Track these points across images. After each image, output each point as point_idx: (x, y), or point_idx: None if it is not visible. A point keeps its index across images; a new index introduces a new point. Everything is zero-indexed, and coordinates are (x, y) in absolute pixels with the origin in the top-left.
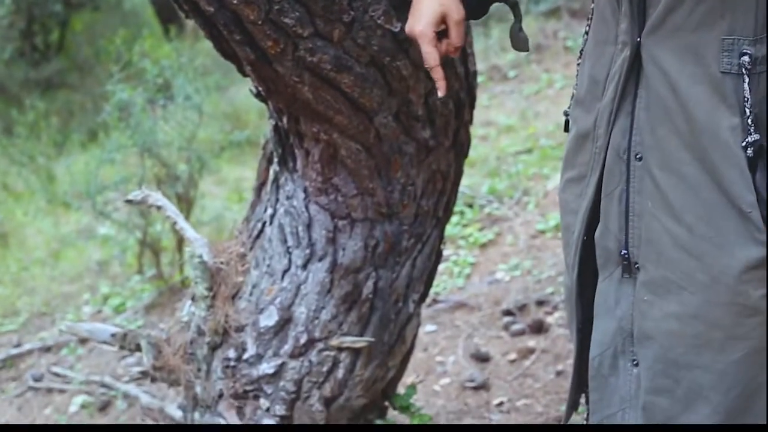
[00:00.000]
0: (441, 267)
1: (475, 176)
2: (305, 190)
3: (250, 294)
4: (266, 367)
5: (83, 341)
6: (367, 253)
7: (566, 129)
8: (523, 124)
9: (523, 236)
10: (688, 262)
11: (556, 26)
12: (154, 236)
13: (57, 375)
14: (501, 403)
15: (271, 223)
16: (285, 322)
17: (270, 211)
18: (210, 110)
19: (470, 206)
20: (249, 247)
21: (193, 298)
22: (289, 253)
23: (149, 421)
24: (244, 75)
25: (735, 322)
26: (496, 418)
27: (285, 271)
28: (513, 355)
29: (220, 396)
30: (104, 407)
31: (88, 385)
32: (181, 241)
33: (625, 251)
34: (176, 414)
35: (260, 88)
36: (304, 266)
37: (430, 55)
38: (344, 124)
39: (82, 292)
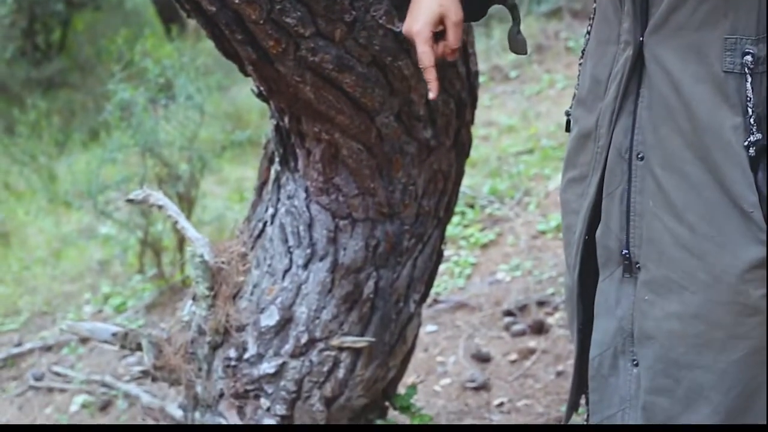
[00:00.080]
0: (442, 267)
1: (477, 176)
2: (306, 190)
3: (251, 293)
4: (267, 367)
5: (84, 340)
6: (368, 253)
7: (567, 129)
8: (524, 124)
9: (524, 237)
10: (689, 262)
11: (558, 27)
12: (155, 236)
13: (58, 374)
14: (501, 404)
15: (272, 223)
16: (286, 322)
17: (271, 210)
18: (211, 110)
19: (471, 206)
20: (250, 247)
21: (194, 298)
22: (290, 253)
23: (150, 421)
24: (246, 75)
25: (736, 321)
26: (497, 419)
27: (286, 271)
28: (514, 356)
29: (221, 395)
30: (105, 407)
31: (88, 385)
32: (182, 241)
33: (626, 251)
34: (177, 413)
35: (262, 88)
36: (305, 266)
37: (425, 55)
38: (346, 123)
39: (83, 292)
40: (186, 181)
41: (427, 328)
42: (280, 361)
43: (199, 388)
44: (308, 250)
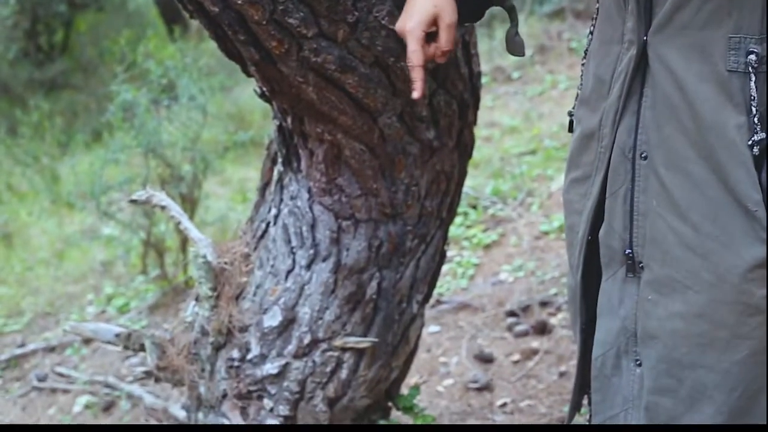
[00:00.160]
0: (445, 268)
1: (479, 177)
2: (309, 191)
3: (254, 294)
4: (270, 368)
5: (87, 341)
6: (370, 253)
7: (570, 129)
8: (526, 125)
9: (527, 237)
10: (693, 261)
11: (560, 27)
12: (158, 236)
13: (61, 375)
14: (504, 404)
15: (275, 224)
16: (289, 323)
17: (274, 211)
18: (214, 111)
19: (474, 207)
20: (253, 248)
21: (197, 299)
22: (293, 254)
23: (153, 422)
24: (249, 75)
25: (739, 321)
26: (500, 419)
27: (289, 272)
28: (516, 356)
29: (224, 396)
30: (108, 407)
31: (92, 385)
32: (185, 242)
33: (630, 250)
34: (180, 414)
35: (264, 89)
36: (308, 266)
37: (415, 54)
38: (348, 124)
39: (86, 293)
40: (189, 181)
41: (430, 328)
42: (283, 361)
43: (202, 389)
44: (311, 251)
